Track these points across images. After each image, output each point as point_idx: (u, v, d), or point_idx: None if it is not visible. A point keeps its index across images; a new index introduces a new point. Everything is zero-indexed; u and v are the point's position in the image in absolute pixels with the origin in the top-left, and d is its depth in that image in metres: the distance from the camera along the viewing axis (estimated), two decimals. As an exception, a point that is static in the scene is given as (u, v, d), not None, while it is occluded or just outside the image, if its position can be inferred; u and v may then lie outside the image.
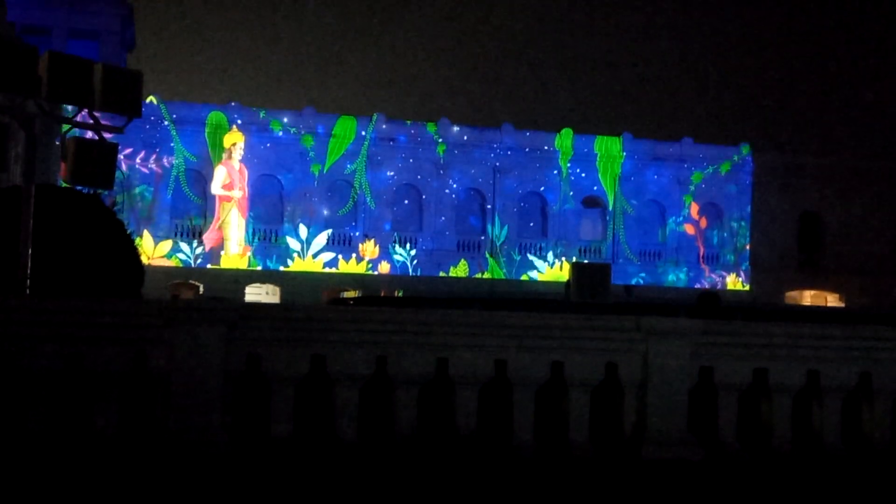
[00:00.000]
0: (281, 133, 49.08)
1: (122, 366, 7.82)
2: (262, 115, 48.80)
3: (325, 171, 49.79)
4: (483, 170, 51.97)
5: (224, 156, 48.50)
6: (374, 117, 50.55)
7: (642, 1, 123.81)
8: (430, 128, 50.99)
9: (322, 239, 49.51)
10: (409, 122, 51.78)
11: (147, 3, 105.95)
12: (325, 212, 49.78)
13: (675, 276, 53.67)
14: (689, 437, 8.78)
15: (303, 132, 49.17)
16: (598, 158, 53.39)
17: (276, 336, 8.17)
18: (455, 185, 51.57)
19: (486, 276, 50.97)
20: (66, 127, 12.74)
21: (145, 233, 46.47)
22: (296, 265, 48.89)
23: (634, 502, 7.78)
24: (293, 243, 49.13)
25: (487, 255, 51.62)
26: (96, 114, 11.38)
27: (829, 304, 54.07)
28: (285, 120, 49.49)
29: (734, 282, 54.18)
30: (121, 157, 44.58)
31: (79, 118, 11.93)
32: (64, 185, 12.90)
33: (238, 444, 8.00)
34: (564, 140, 53.00)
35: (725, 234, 54.81)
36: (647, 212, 54.18)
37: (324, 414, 8.42)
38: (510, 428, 8.60)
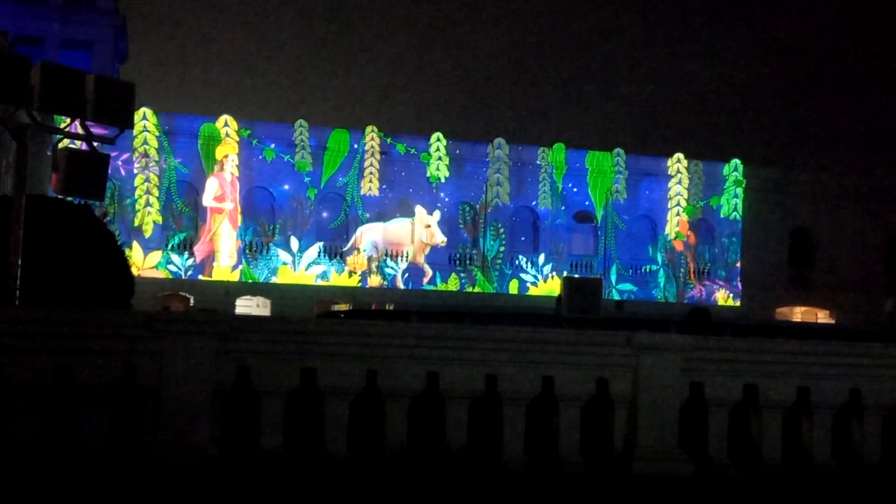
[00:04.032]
0: (274, 158, 49.28)
1: (112, 378, 7.77)
2: (246, 133, 48.83)
3: (320, 186, 49.85)
4: (475, 184, 52.05)
5: (216, 167, 48.49)
6: (367, 130, 50.65)
7: (637, 17, 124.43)
8: (424, 157, 51.06)
9: (313, 251, 49.46)
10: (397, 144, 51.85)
11: (140, 16, 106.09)
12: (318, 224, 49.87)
13: (666, 292, 53.76)
14: (680, 452, 8.76)
15: (297, 159, 49.34)
16: (589, 173, 53.55)
17: (267, 349, 8.14)
18: (447, 199, 51.62)
19: (477, 289, 50.98)
20: (57, 137, 12.73)
21: (136, 244, 46.36)
22: (287, 278, 48.82)
23: (624, 518, 7.76)
24: (284, 256, 49.09)
25: (478, 269, 51.63)
26: (88, 124, 11.37)
27: (819, 321, 54.18)
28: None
29: (725, 298, 54.29)
30: (118, 162, 44.70)
31: (71, 129, 11.91)
32: (55, 195, 12.86)
33: (227, 458, 7.95)
34: (557, 155, 53.13)
35: (716, 250, 54.95)
36: (638, 227, 54.30)
37: (314, 427, 8.38)
38: (500, 442, 8.58)
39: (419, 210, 50.76)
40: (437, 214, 51.01)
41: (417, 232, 50.83)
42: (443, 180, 50.89)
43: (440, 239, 50.97)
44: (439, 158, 51.27)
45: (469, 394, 8.48)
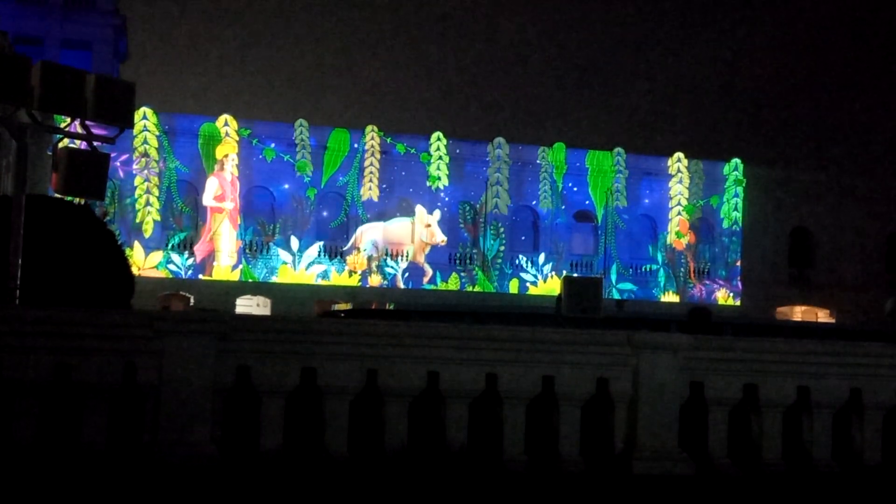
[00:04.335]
0: (274, 157, 49.28)
1: (112, 377, 7.77)
2: (246, 133, 48.83)
3: (321, 185, 49.85)
4: (475, 183, 52.04)
5: (216, 167, 48.49)
6: (367, 130, 50.64)
7: (636, 16, 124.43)
8: (424, 157, 51.05)
9: (314, 251, 49.45)
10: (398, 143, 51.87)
11: (140, 15, 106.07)
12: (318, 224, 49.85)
13: (666, 291, 53.75)
14: (680, 452, 8.76)
15: (297, 159, 49.32)
16: (589, 173, 53.54)
17: (267, 348, 8.14)
18: (447, 199, 51.62)
19: (478, 289, 50.96)
20: (58, 137, 12.73)
21: (136, 244, 46.35)
22: (288, 277, 48.81)
23: (625, 517, 7.76)
24: (284, 255, 49.07)
25: (479, 269, 51.62)
26: (88, 124, 11.37)
27: (819, 320, 54.17)
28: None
29: (725, 297, 54.27)
30: (116, 164, 44.71)
31: (71, 128, 11.91)
32: (55, 195, 12.87)
33: (227, 458, 7.95)
34: (557, 154, 53.12)
35: (717, 250, 54.93)
36: (638, 226, 54.29)
37: (314, 427, 8.38)
38: (501, 442, 8.58)
39: (419, 209, 50.79)
40: (437, 214, 51.04)
41: (417, 231, 50.89)
42: (443, 181, 50.82)
43: (440, 238, 50.99)
44: (439, 158, 51.27)
45: (469, 393, 8.48)
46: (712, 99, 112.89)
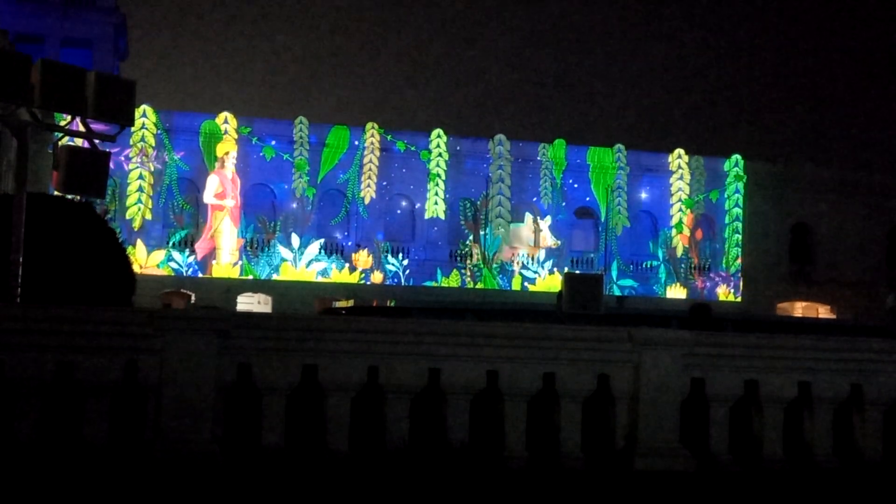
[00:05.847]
0: (274, 156, 49.27)
1: (113, 375, 7.78)
2: (246, 131, 48.80)
3: (318, 182, 49.80)
4: (476, 180, 52.00)
5: (217, 165, 48.46)
6: (367, 127, 50.57)
7: (637, 12, 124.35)
8: (424, 155, 51.01)
9: (314, 248, 49.43)
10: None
11: (141, 13, 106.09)
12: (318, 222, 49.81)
13: (667, 288, 53.72)
14: (681, 448, 8.77)
15: (296, 156, 49.30)
16: (590, 169, 53.49)
17: (268, 345, 8.15)
18: (448, 196, 51.57)
19: (479, 286, 50.94)
20: (58, 135, 12.74)
21: (139, 242, 46.31)
22: (288, 275, 48.79)
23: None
24: (285, 252, 49.05)
25: (479, 265, 51.60)
26: (89, 122, 11.37)
27: (820, 316, 54.15)
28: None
29: (726, 293, 54.25)
30: (120, 158, 44.72)
31: (72, 126, 11.91)
32: (56, 193, 12.87)
33: (229, 455, 7.96)
34: (557, 151, 53.06)
35: (718, 246, 54.90)
36: (639, 223, 54.26)
37: (315, 424, 8.39)
38: (502, 439, 8.59)
39: (528, 216, 52.04)
40: (548, 219, 52.15)
41: (526, 236, 52.03)
42: (440, 210, 50.88)
43: (552, 241, 51.82)
44: (439, 155, 51.23)
45: (470, 390, 8.49)
46: (713, 95, 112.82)
